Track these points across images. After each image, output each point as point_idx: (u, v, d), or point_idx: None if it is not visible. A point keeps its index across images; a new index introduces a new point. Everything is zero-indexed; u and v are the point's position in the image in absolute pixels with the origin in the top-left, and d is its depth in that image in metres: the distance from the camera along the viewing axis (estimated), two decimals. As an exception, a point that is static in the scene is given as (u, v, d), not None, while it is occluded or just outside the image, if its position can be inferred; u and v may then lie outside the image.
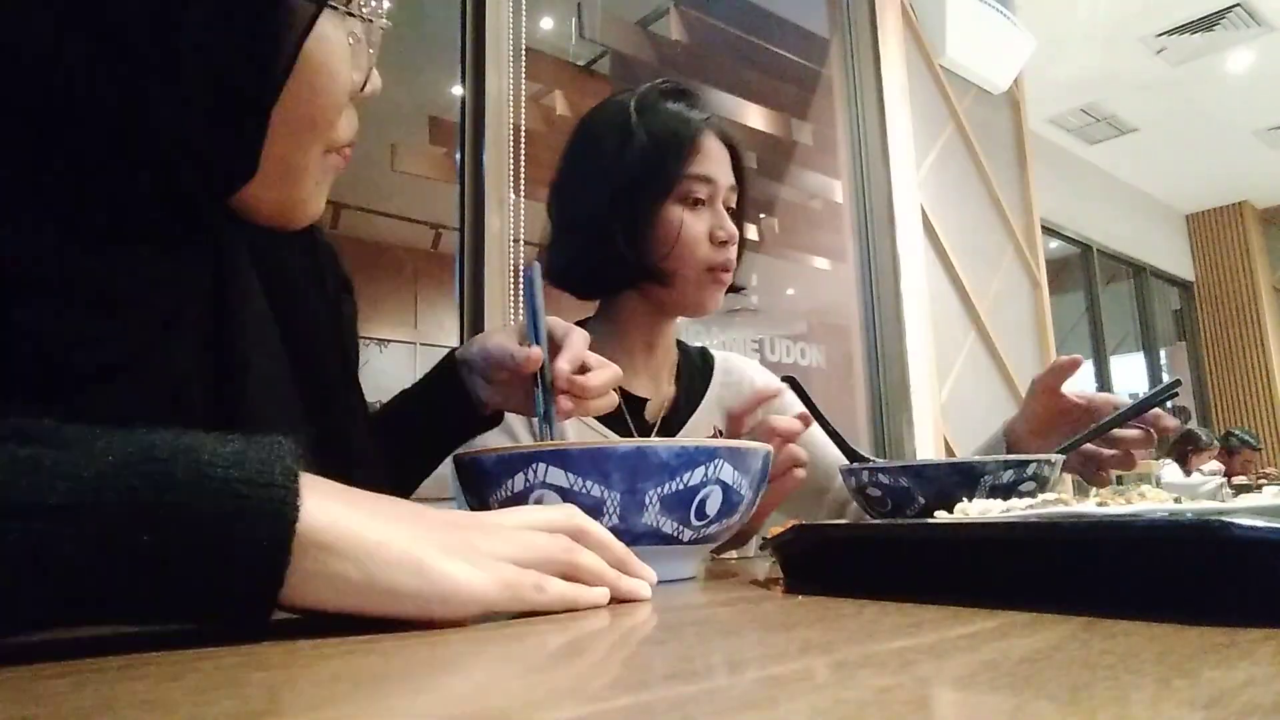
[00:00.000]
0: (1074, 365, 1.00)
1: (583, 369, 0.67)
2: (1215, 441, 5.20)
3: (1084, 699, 0.21)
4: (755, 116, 2.79)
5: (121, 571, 0.31)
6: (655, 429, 1.04)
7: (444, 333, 5.89)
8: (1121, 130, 5.59)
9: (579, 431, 0.98)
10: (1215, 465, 5.10)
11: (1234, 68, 4.89)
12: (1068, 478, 1.30)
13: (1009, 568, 0.39)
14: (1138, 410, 0.94)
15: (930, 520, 0.49)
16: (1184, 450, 5.09)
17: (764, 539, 0.61)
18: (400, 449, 0.75)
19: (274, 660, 0.30)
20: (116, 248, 0.48)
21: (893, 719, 0.20)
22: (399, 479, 0.75)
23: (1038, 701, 0.21)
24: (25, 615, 0.31)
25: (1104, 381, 5.94)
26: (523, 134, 2.01)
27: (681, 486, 0.52)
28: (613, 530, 0.51)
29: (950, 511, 0.50)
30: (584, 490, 0.52)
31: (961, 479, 0.77)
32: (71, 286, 0.46)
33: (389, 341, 5.97)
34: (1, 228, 0.43)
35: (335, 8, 0.48)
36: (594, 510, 0.52)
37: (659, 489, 0.52)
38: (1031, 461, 0.78)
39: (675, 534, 0.54)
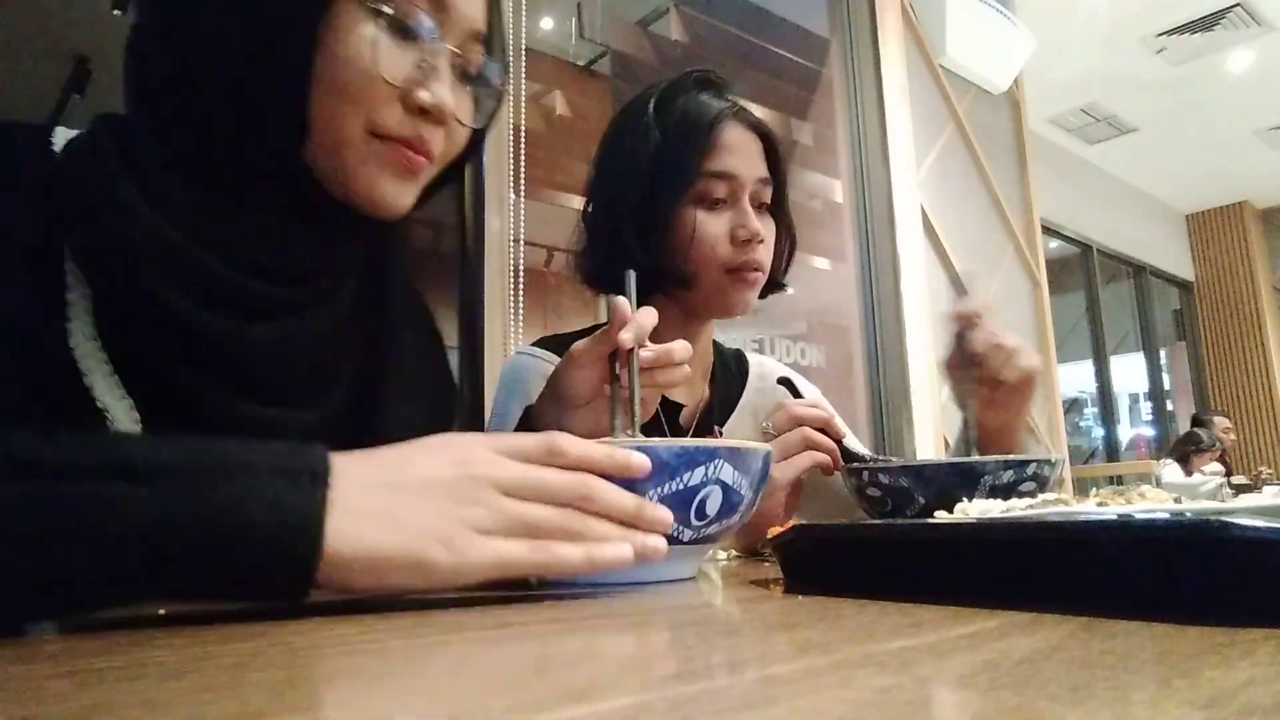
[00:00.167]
0: (964, 317, 0.92)
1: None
2: (1217, 443, 5.19)
3: (1084, 699, 0.21)
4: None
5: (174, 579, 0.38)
6: (690, 434, 1.01)
7: (443, 332, 5.88)
8: (1121, 130, 5.59)
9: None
10: (1216, 466, 5.09)
11: (1234, 68, 4.89)
12: (1068, 478, 1.30)
13: (1009, 568, 0.39)
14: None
15: (930, 520, 0.49)
16: (1185, 451, 5.09)
17: (764, 539, 0.61)
18: None
19: (274, 660, 0.30)
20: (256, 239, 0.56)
21: (893, 719, 0.20)
22: None
23: (1038, 701, 0.21)
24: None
25: (1104, 381, 5.94)
26: (523, 134, 2.01)
27: (681, 486, 0.52)
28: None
29: (950, 511, 0.50)
30: (584, 490, 0.52)
31: (961, 479, 0.77)
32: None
33: (389, 341, 5.96)
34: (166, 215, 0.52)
35: (362, 2, 0.54)
36: (594, 510, 0.51)
37: (659, 489, 0.52)
38: (1031, 461, 0.78)
39: (675, 534, 0.54)
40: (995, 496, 0.68)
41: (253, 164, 0.56)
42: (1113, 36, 4.50)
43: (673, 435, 0.98)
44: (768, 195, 1.00)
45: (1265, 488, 0.75)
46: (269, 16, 0.53)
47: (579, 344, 0.68)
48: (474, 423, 1.49)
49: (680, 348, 0.67)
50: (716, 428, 1.04)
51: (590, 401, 0.68)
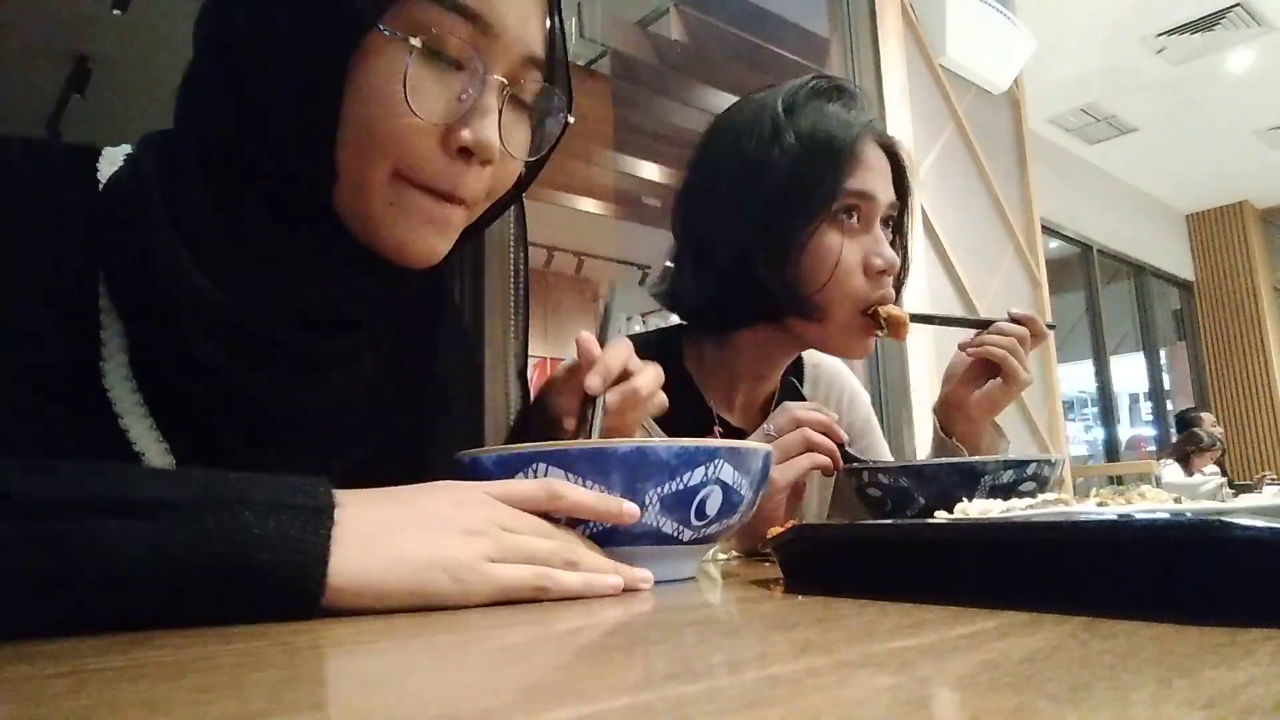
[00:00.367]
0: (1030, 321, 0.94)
1: (625, 375, 0.64)
2: (1218, 443, 5.18)
3: (1084, 699, 0.21)
4: (755, 116, 2.79)
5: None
6: None
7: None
8: (1121, 130, 5.59)
9: None
10: (1213, 468, 5.09)
11: (1234, 68, 4.88)
12: (1068, 478, 1.31)
13: (1009, 568, 0.39)
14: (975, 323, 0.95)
15: (930, 520, 0.49)
16: (1185, 451, 5.08)
17: (764, 539, 0.61)
18: None
19: (274, 660, 0.30)
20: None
21: (893, 719, 0.20)
22: None
23: (1038, 701, 0.21)
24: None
25: (1104, 381, 5.94)
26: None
27: (681, 486, 0.52)
28: (613, 530, 0.52)
29: (950, 511, 0.50)
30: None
31: (961, 479, 0.77)
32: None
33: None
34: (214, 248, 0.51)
35: (386, 32, 0.50)
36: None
37: (659, 489, 0.52)
38: (1031, 461, 0.78)
39: (675, 534, 0.54)
40: (995, 496, 0.68)
41: (286, 209, 0.53)
42: (1113, 36, 4.50)
43: None
44: (892, 223, 0.92)
45: (1265, 488, 0.75)
46: (300, 51, 0.50)
47: (556, 372, 0.68)
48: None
49: (647, 380, 0.63)
50: (717, 428, 1.03)
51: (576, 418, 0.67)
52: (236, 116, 0.52)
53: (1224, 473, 5.13)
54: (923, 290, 2.87)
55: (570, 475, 0.51)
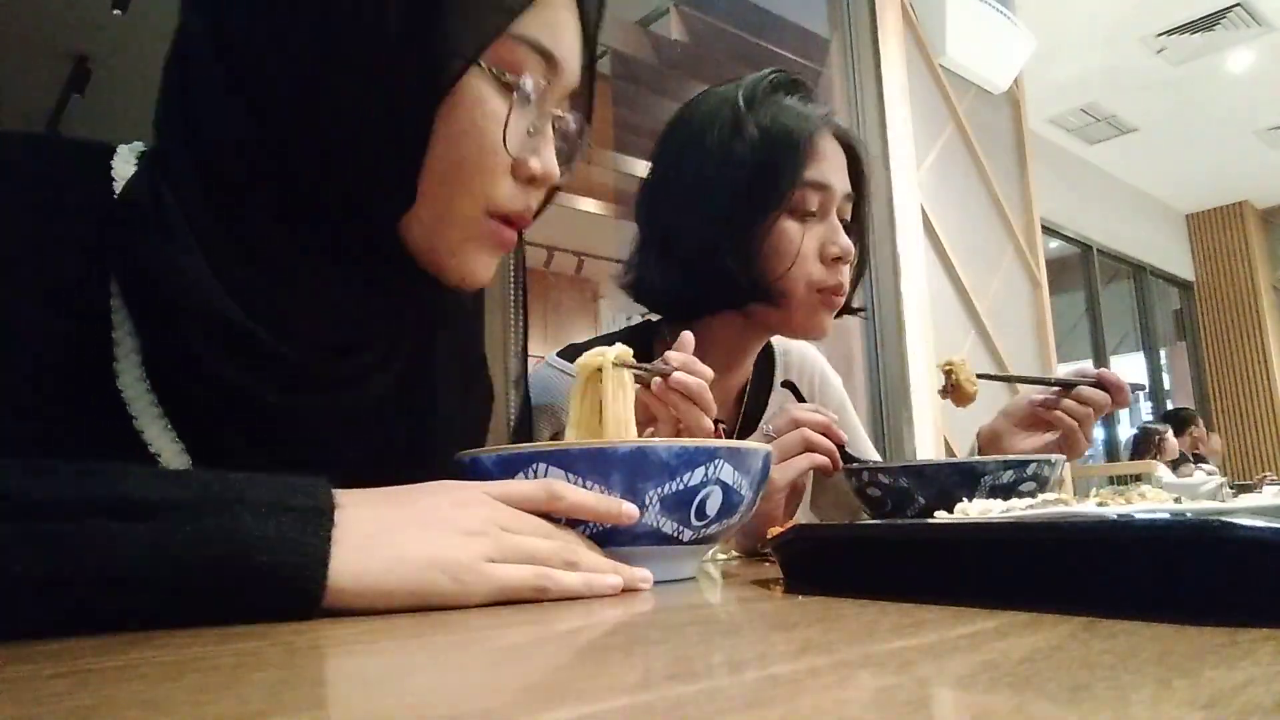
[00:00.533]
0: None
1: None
2: (1166, 433, 5.06)
3: (1084, 699, 0.21)
4: (755, 116, 2.79)
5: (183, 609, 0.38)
6: None
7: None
8: (1121, 130, 5.58)
9: None
10: (1210, 467, 5.04)
11: (1234, 68, 4.88)
12: (1068, 478, 1.31)
13: (1009, 568, 0.39)
14: (1060, 382, 0.94)
15: (930, 520, 0.49)
16: (1147, 451, 4.94)
17: (764, 539, 0.61)
18: None
19: (274, 660, 0.30)
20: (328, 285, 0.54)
21: (892, 719, 0.20)
22: None
23: (1038, 701, 0.21)
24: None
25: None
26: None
27: (681, 486, 0.52)
28: (613, 530, 0.52)
29: (950, 511, 0.50)
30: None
31: (961, 479, 0.77)
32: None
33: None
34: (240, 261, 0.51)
35: (488, 70, 0.52)
36: (594, 510, 0.52)
37: (659, 489, 0.52)
38: (1031, 461, 0.78)
39: (675, 534, 0.54)
40: (995, 496, 0.68)
41: (340, 231, 0.53)
42: (1113, 36, 4.50)
43: None
44: (849, 212, 0.95)
45: (1265, 488, 0.75)
46: (389, 81, 0.50)
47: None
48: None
49: (705, 405, 0.66)
50: (722, 425, 1.04)
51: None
52: (280, 143, 0.51)
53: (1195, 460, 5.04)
54: (923, 290, 2.87)
55: (570, 475, 0.51)
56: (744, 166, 0.88)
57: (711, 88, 0.97)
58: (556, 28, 0.55)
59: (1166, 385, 6.76)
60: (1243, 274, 6.65)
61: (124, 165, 0.54)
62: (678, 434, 0.68)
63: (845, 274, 0.93)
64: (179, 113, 0.53)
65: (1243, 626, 0.29)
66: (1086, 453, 0.96)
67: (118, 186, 0.53)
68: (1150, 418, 6.37)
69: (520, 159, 0.55)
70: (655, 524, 0.53)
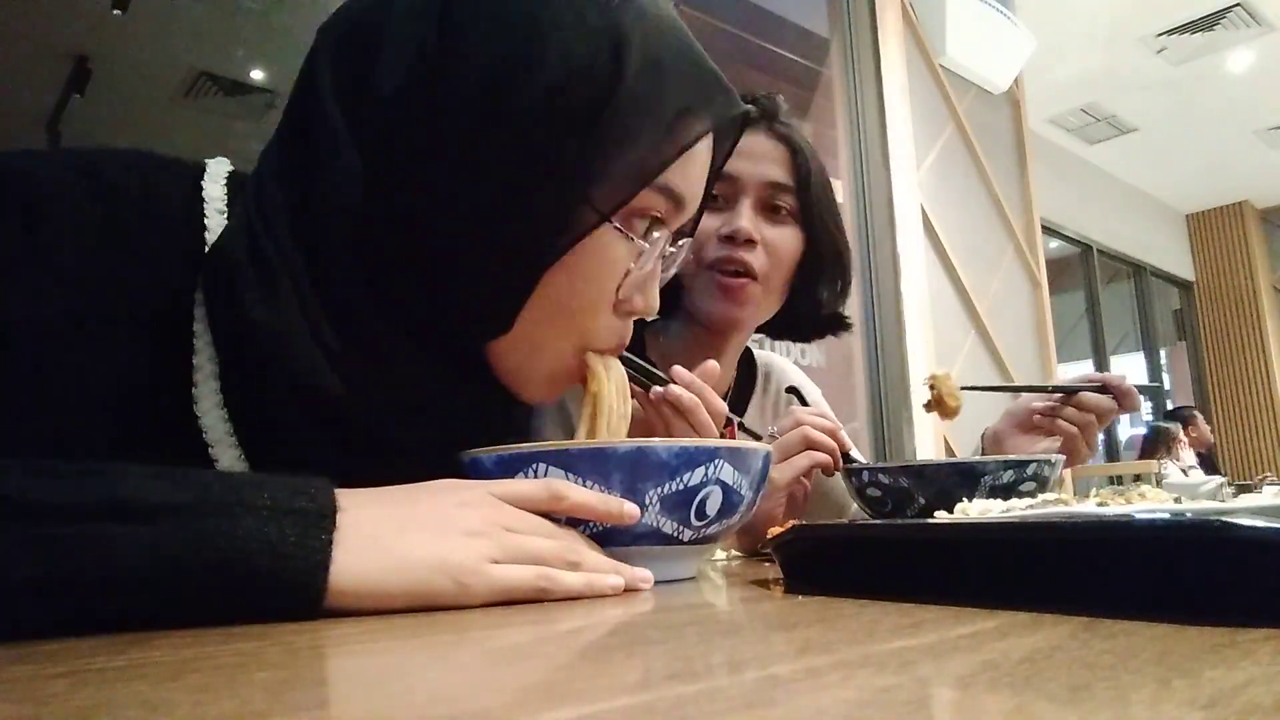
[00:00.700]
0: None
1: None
2: (1178, 431, 5.07)
3: (1084, 699, 0.21)
4: (755, 116, 2.79)
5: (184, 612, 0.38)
6: None
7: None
8: (1121, 130, 5.59)
9: None
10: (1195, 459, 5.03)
11: (1234, 68, 4.88)
12: (1068, 478, 1.31)
13: (1009, 568, 0.39)
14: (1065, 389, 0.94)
15: (930, 520, 0.49)
16: (1159, 449, 4.94)
17: (764, 539, 0.61)
18: None
19: (274, 660, 0.30)
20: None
21: (893, 719, 0.20)
22: None
23: (1038, 701, 0.21)
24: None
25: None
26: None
27: (681, 486, 0.52)
28: (612, 530, 0.52)
29: (950, 511, 0.50)
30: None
31: (961, 479, 0.77)
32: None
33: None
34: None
35: (621, 231, 0.52)
36: (594, 510, 0.52)
37: (659, 489, 0.52)
38: (1031, 461, 0.78)
39: (675, 534, 0.54)
40: (995, 496, 0.68)
41: (433, 337, 0.53)
42: (1113, 36, 4.50)
43: None
44: (787, 201, 0.95)
45: (1265, 488, 0.75)
46: (517, 222, 0.50)
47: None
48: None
49: (714, 412, 0.67)
50: (737, 420, 1.04)
51: None
52: (392, 216, 0.51)
53: (1209, 464, 5.05)
54: (923, 290, 2.88)
55: (570, 475, 0.51)
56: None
57: None
58: (690, 169, 0.56)
59: (1167, 385, 6.76)
60: (1243, 274, 6.65)
61: (214, 186, 0.55)
62: None
63: (745, 253, 0.92)
64: (296, 153, 0.53)
65: (1243, 626, 0.29)
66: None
67: (208, 209, 0.53)
68: (1151, 417, 6.37)
69: (626, 299, 0.55)
70: (655, 524, 0.52)
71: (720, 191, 0.93)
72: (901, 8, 3.05)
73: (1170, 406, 6.52)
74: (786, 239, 0.95)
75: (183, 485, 0.39)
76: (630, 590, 0.49)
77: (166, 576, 0.37)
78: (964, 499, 0.53)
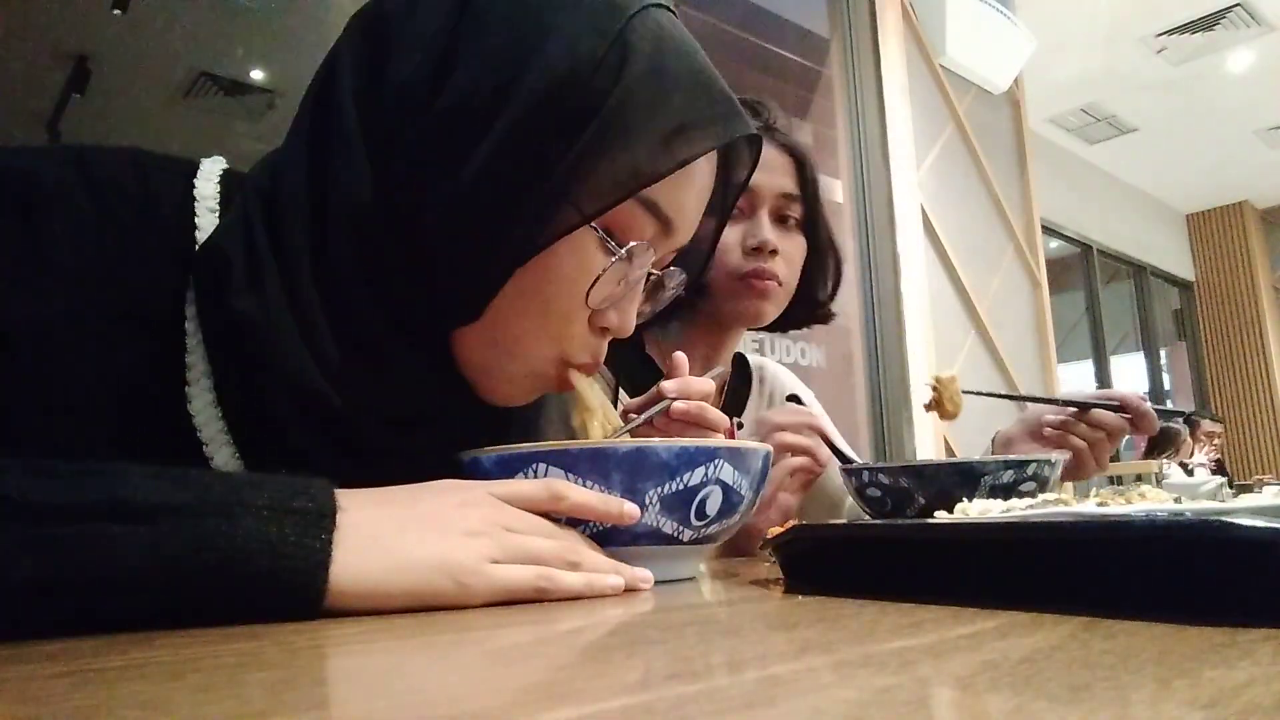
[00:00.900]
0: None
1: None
2: (1185, 433, 5.08)
3: (1084, 699, 0.21)
4: (755, 116, 2.79)
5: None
6: None
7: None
8: (1121, 130, 5.58)
9: None
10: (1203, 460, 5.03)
11: (1234, 68, 4.88)
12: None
13: (1009, 568, 0.39)
14: (1080, 404, 0.94)
15: (930, 520, 0.49)
16: (1167, 449, 4.96)
17: (764, 539, 0.61)
18: None
19: (274, 660, 0.30)
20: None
21: (893, 719, 0.20)
22: None
23: (1038, 701, 0.21)
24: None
25: (1104, 381, 5.93)
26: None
27: (681, 486, 0.52)
28: (613, 530, 0.52)
29: (950, 511, 0.50)
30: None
31: (961, 479, 0.77)
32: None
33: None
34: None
35: (601, 237, 0.52)
36: (594, 510, 0.52)
37: (659, 489, 0.52)
38: (1031, 462, 0.78)
39: (675, 534, 0.54)
40: (995, 496, 0.68)
41: (408, 323, 0.53)
42: (1113, 36, 4.50)
43: None
44: (795, 211, 1.00)
45: (1265, 488, 0.75)
46: (500, 214, 0.50)
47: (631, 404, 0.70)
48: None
49: (716, 417, 0.67)
50: (738, 420, 1.05)
51: None
52: (387, 219, 0.51)
53: (1222, 470, 5.07)
54: (923, 290, 2.88)
55: (570, 475, 0.51)
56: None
57: None
58: (684, 195, 0.55)
59: (1166, 385, 6.75)
60: (1243, 274, 6.65)
61: (206, 184, 0.54)
62: None
63: (771, 263, 0.97)
64: (315, 149, 0.53)
65: (1243, 626, 0.29)
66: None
67: (199, 207, 0.53)
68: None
69: (598, 311, 0.55)
70: (655, 524, 0.52)
71: (742, 203, 0.96)
72: (901, 8, 3.05)
73: (1169, 406, 6.52)
74: (798, 248, 1.00)
75: (183, 485, 0.39)
76: (630, 590, 0.49)
77: (166, 576, 0.37)
78: (964, 499, 0.53)
